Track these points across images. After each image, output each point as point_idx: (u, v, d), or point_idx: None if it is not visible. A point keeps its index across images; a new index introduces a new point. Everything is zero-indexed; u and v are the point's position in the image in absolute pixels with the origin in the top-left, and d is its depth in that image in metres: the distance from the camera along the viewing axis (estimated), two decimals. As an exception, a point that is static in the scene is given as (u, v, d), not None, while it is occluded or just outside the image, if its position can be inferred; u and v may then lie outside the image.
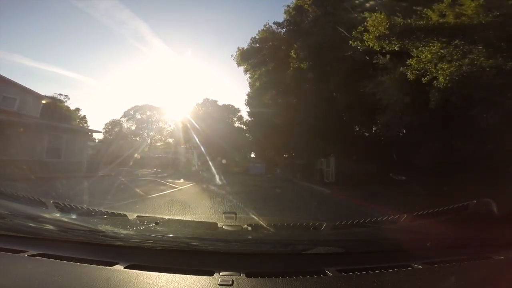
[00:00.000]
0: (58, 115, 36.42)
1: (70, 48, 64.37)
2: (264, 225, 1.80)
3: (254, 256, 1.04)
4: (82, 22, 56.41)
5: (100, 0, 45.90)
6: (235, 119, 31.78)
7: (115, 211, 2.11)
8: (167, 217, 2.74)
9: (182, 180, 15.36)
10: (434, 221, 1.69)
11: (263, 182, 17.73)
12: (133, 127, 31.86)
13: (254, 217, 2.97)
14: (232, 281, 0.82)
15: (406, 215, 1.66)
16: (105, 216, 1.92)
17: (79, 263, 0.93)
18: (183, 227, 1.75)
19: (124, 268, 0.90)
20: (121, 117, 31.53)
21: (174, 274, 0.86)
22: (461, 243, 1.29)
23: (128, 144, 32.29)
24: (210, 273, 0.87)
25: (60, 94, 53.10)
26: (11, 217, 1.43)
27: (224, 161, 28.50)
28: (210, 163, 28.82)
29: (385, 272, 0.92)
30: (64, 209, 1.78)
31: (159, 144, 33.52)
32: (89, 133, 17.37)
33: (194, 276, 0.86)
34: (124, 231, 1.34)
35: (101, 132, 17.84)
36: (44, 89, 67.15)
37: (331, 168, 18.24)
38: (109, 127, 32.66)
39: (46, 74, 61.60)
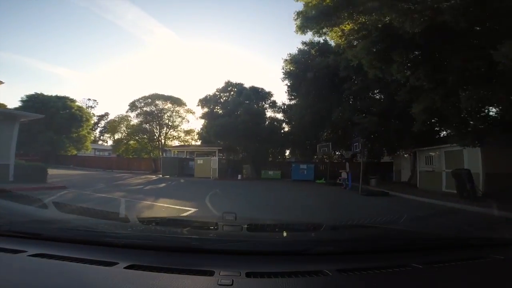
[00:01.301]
0: (67, 115, 32.76)
1: (102, 58, 66.57)
2: (265, 225, 1.83)
3: (254, 256, 1.00)
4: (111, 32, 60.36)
5: (127, 11, 49.44)
6: (267, 105, 23.58)
7: (115, 211, 2.23)
8: (167, 217, 3.04)
9: (175, 201, 7.64)
10: None
11: (339, 202, 9.19)
12: (144, 124, 25.41)
13: (255, 217, 3.45)
14: (232, 281, 0.78)
15: None
16: (106, 216, 1.97)
17: (79, 263, 0.90)
18: (183, 227, 1.67)
19: (124, 268, 0.86)
20: (127, 111, 25.43)
21: (174, 274, 0.84)
22: (461, 243, 1.27)
23: (136, 144, 26.16)
24: (210, 273, 0.84)
25: (89, 99, 51.89)
26: (11, 216, 1.57)
27: (253, 163, 20.45)
28: (235, 165, 21.19)
29: (385, 272, 0.89)
30: (64, 209, 1.89)
31: (172, 142, 26.73)
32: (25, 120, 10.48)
33: (194, 276, 0.83)
34: (124, 231, 1.34)
35: (40, 116, 11.00)
36: (79, 95, 69.93)
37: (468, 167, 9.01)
38: (115, 124, 26.89)
39: (81, 82, 64.78)
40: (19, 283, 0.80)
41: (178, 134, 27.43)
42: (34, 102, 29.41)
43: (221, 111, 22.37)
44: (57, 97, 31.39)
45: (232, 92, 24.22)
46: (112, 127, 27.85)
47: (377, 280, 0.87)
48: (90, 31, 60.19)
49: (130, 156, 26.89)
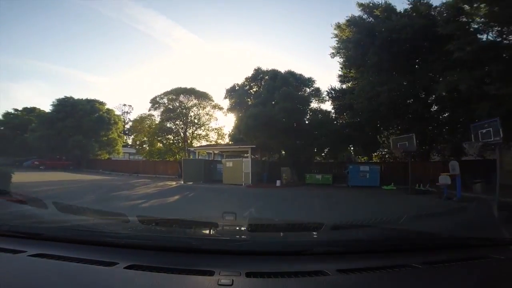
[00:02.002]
0: (95, 118, 32.04)
1: (135, 65, 69.40)
2: (264, 225, 1.81)
3: (254, 256, 0.99)
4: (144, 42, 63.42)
5: (157, 21, 52.62)
6: (305, 93, 18.89)
7: (115, 211, 2.28)
8: (167, 217, 2.99)
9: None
10: None
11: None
12: (165, 121, 22.65)
13: (255, 217, 3.27)
14: (232, 281, 0.79)
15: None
16: (105, 216, 1.99)
17: (79, 263, 0.90)
18: (183, 227, 1.69)
19: (124, 268, 0.86)
20: (150, 109, 22.91)
21: (174, 274, 0.83)
22: (461, 243, 1.23)
23: (159, 146, 23.57)
24: (210, 273, 0.84)
25: (125, 105, 52.76)
26: (11, 216, 1.58)
27: (294, 165, 16.03)
28: (271, 168, 17.00)
29: (385, 272, 0.89)
30: (64, 209, 1.81)
31: (199, 143, 23.55)
32: None
33: (194, 276, 0.84)
34: (124, 231, 1.33)
35: None
36: (114, 102, 73.86)
37: None
38: (137, 124, 24.72)
39: (116, 89, 68.09)
40: (19, 283, 0.81)
41: (206, 132, 24.16)
42: (64, 105, 29.09)
43: (251, 102, 18.41)
44: (86, 100, 30.80)
45: (263, 81, 20.10)
46: (134, 128, 25.75)
47: (377, 280, 0.86)
48: (121, 40, 62.83)
49: (156, 159, 24.49)
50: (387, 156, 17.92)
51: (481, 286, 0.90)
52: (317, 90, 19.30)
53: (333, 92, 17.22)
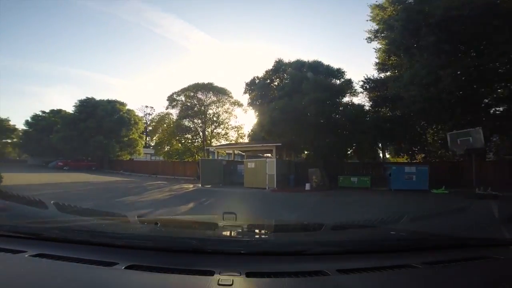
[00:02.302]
0: (115, 119, 32.08)
1: (154, 67, 70.58)
2: (264, 225, 1.83)
3: (254, 256, 0.99)
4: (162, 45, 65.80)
5: (174, 24, 53.51)
6: (337, 83, 16.72)
7: (115, 212, 2.20)
8: (167, 217, 3.05)
9: None
10: None
11: None
12: (183, 120, 21.60)
13: (255, 217, 3.30)
14: (232, 281, 0.78)
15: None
16: (105, 217, 1.94)
17: (79, 263, 0.89)
18: (183, 227, 1.70)
19: (124, 268, 0.85)
20: (167, 107, 21.98)
21: (174, 274, 0.82)
22: (461, 243, 1.22)
23: (178, 145, 22.62)
24: (210, 273, 0.83)
25: (147, 106, 53.40)
26: (11, 217, 1.56)
27: (324, 165, 14.04)
28: (297, 169, 15.18)
29: (385, 272, 0.88)
30: (64, 209, 1.78)
31: (218, 142, 22.24)
32: None
33: (194, 276, 0.82)
34: (124, 231, 1.33)
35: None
36: (136, 104, 75.70)
37: None
38: (153, 124, 24.00)
39: (137, 92, 70.04)
40: (19, 283, 0.81)
41: (225, 131, 22.82)
42: (86, 106, 29.29)
43: (273, 95, 16.66)
44: (107, 101, 30.81)
45: (285, 74, 18.25)
46: (154, 127, 25.05)
47: (377, 280, 0.86)
48: (140, 43, 65.02)
49: (174, 160, 23.61)
50: (431, 155, 15.38)
51: (481, 286, 0.89)
52: (349, 81, 17.03)
53: (369, 82, 14.86)
